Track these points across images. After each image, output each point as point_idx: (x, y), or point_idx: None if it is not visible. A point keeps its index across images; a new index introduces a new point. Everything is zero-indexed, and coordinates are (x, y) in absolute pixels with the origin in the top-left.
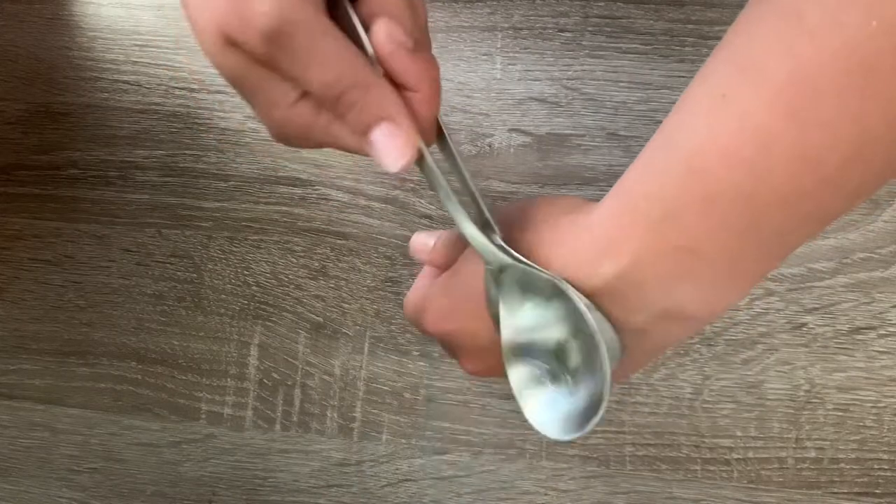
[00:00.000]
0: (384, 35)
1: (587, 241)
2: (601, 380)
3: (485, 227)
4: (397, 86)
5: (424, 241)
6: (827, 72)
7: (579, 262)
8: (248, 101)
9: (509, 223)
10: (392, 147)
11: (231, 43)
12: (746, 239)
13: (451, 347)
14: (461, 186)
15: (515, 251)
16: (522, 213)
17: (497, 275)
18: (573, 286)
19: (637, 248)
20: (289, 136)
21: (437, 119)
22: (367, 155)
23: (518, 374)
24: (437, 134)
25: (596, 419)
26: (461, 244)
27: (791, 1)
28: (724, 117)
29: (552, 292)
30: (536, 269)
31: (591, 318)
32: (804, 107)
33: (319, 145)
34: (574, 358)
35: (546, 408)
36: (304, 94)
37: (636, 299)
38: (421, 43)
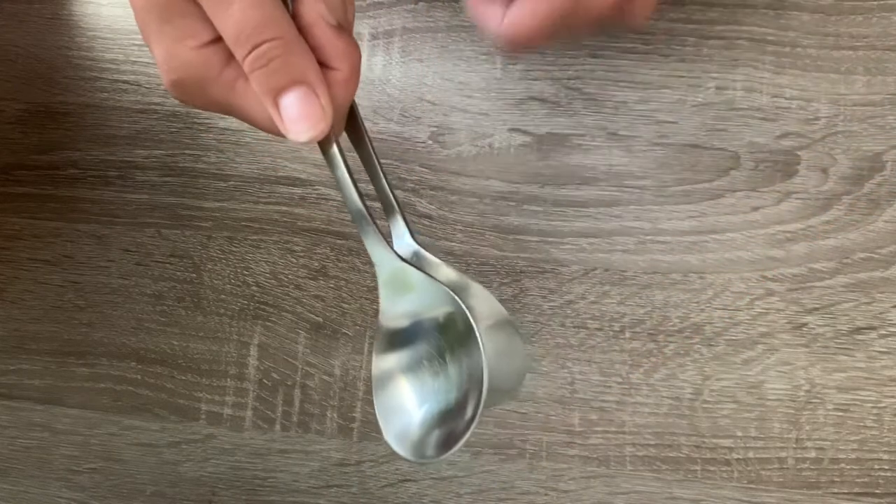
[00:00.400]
0: (309, 6)
1: None
2: (477, 401)
3: (398, 234)
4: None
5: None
6: None
7: None
8: (153, 33)
9: None
10: (305, 115)
11: None
12: None
13: None
14: (377, 192)
15: None
16: None
17: (387, 277)
18: None
19: None
20: (184, 85)
21: (356, 112)
22: (265, 126)
23: (389, 359)
24: (353, 130)
25: (457, 446)
26: None
27: None
28: None
29: (444, 301)
30: (428, 277)
31: (484, 345)
32: None
33: (217, 106)
34: (453, 341)
35: (414, 403)
36: (218, 39)
37: None
38: (344, 25)
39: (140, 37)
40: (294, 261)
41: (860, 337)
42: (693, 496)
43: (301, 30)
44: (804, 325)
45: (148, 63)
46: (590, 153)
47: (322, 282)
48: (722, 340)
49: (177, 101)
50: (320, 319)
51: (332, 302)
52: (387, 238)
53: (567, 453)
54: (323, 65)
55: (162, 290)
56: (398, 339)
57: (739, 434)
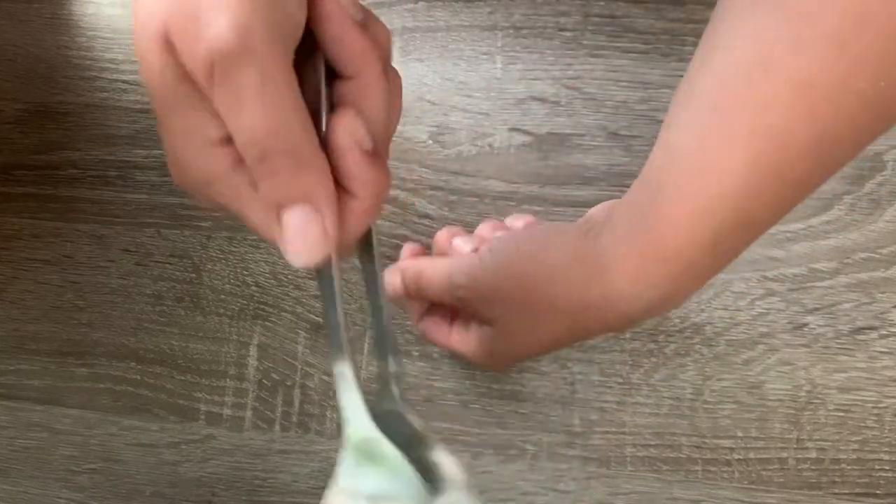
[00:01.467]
0: (345, 126)
1: (624, 281)
2: None
3: (386, 376)
4: (337, 184)
5: (394, 285)
6: (847, 126)
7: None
8: (163, 122)
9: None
10: (304, 236)
11: (170, 47)
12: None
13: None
14: (374, 326)
15: None
16: (532, 244)
17: (356, 441)
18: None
19: (668, 289)
20: (188, 180)
21: (371, 239)
22: (267, 239)
23: None
24: (363, 256)
25: None
26: (435, 293)
27: (800, 69)
28: (764, 178)
29: (411, 484)
30: (402, 458)
31: None
32: (829, 154)
33: (221, 207)
34: None
35: None
36: (228, 140)
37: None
38: (379, 152)
39: (133, 38)
40: None
41: (861, 337)
42: (693, 496)
43: (332, 151)
44: (805, 325)
45: None
46: (590, 153)
47: None
48: (722, 340)
49: None
50: (320, 319)
51: None
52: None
53: (567, 454)
54: (344, 188)
55: (161, 290)
56: None
57: (740, 434)
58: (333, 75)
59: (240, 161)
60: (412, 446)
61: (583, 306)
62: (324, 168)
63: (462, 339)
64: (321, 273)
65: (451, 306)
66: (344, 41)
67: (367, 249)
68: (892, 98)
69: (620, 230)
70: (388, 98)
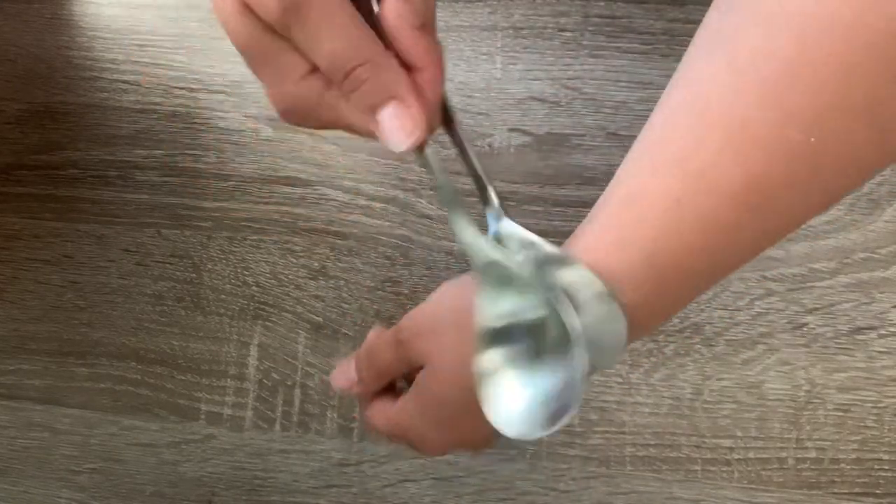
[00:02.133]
0: (393, 10)
1: None
2: (576, 372)
3: (490, 210)
4: (404, 66)
5: (346, 375)
6: (778, 175)
7: None
8: (258, 72)
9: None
10: (400, 127)
11: (247, 9)
12: (705, 289)
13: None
14: (468, 171)
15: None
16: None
17: (483, 269)
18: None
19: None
20: (296, 113)
21: (445, 102)
22: (371, 136)
23: (490, 358)
24: (443, 117)
25: (565, 418)
26: (384, 355)
27: (733, 113)
28: (686, 219)
29: (540, 292)
30: (525, 271)
31: (576, 324)
32: (759, 202)
33: (325, 125)
34: (552, 334)
35: (519, 389)
36: (315, 69)
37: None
38: (428, 25)
39: (140, 36)
40: (294, 261)
41: (860, 337)
42: (693, 496)
43: (389, 35)
44: (804, 325)
45: (148, 63)
46: (590, 153)
47: (322, 282)
48: (722, 340)
49: (177, 101)
50: (320, 319)
51: (332, 302)
52: (481, 227)
53: (567, 453)
54: (411, 68)
55: (162, 290)
56: (497, 336)
57: (739, 434)
58: None
59: (329, 83)
60: (547, 268)
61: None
62: (396, 66)
63: (402, 405)
64: (420, 152)
65: (395, 389)
66: None
67: (446, 117)
68: (827, 155)
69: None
70: None
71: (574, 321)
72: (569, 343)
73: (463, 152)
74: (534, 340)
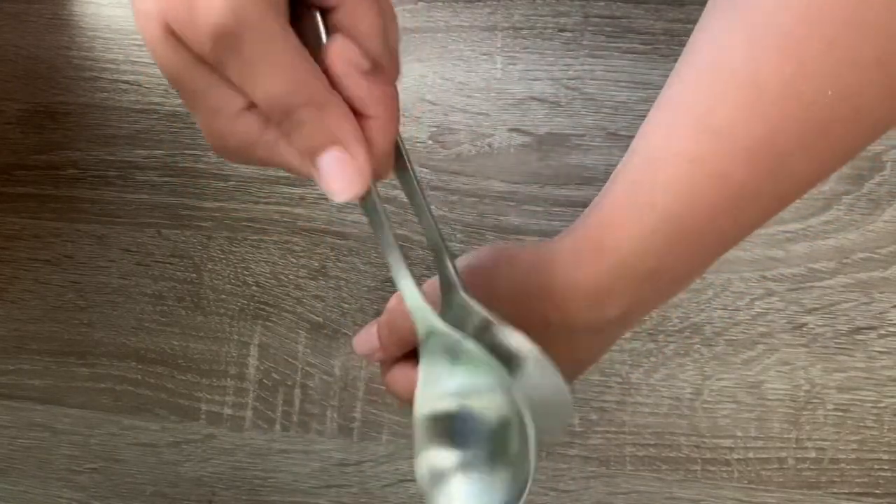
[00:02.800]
0: (337, 54)
1: (580, 301)
2: (525, 471)
3: (445, 274)
4: (354, 110)
5: (368, 341)
6: (792, 133)
7: (569, 314)
8: (188, 105)
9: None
10: (340, 175)
11: (174, 37)
12: (716, 257)
13: None
14: (422, 226)
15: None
16: (487, 282)
17: (424, 339)
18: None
19: (627, 302)
20: (229, 150)
21: (399, 146)
22: (310, 178)
23: (441, 457)
24: (397, 165)
25: None
26: (406, 321)
27: (748, 71)
28: (703, 180)
29: (486, 366)
30: (472, 343)
31: (527, 413)
32: (774, 161)
33: (263, 163)
34: (513, 436)
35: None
36: (251, 106)
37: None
38: (382, 67)
39: (140, 36)
40: (294, 261)
41: (860, 337)
42: (693, 496)
43: (332, 82)
44: (804, 325)
45: (148, 63)
46: (590, 153)
47: (322, 282)
48: (722, 340)
49: (177, 101)
50: (320, 319)
51: (332, 302)
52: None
53: (567, 453)
54: (359, 114)
55: (162, 290)
56: (440, 421)
57: (739, 434)
58: (326, 12)
59: (268, 121)
60: (482, 333)
61: (525, 295)
62: (342, 108)
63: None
64: (364, 202)
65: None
66: None
67: (399, 162)
68: (840, 113)
69: (572, 227)
70: (377, 12)
71: (529, 419)
72: (526, 445)
73: (417, 205)
74: (487, 437)
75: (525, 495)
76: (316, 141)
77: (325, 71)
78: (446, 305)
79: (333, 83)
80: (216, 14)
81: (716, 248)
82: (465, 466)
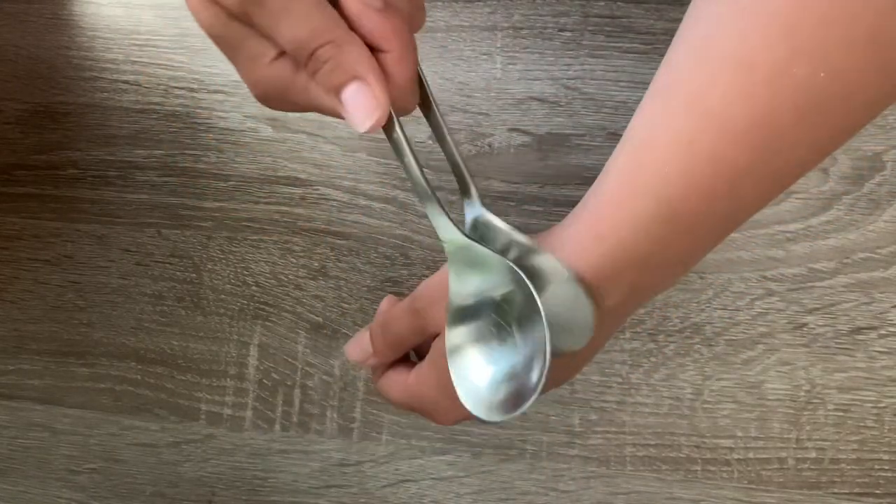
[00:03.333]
0: None
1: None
2: (542, 366)
3: (467, 199)
4: (372, 47)
5: (361, 347)
6: (785, 113)
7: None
8: (230, 59)
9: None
10: (360, 106)
11: (211, 1)
12: (717, 241)
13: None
14: (447, 158)
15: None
16: None
17: (453, 252)
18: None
19: (627, 289)
20: (269, 96)
21: (424, 86)
22: (340, 116)
23: (459, 333)
24: (422, 101)
25: (531, 400)
26: (399, 325)
27: (740, 52)
28: (698, 162)
29: (507, 273)
30: (492, 253)
31: (547, 322)
32: (767, 142)
33: (300, 108)
34: (517, 311)
35: (483, 365)
36: (283, 53)
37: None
38: (392, 5)
39: (140, 36)
40: (294, 261)
41: (860, 337)
42: (693, 496)
43: (349, 21)
44: (804, 325)
45: (148, 63)
46: (590, 153)
47: (322, 282)
48: (722, 340)
49: (177, 101)
50: (320, 319)
51: (332, 302)
52: (454, 218)
53: (567, 453)
54: (376, 49)
55: (162, 290)
56: (467, 314)
57: (739, 434)
58: None
59: (298, 65)
60: (517, 255)
61: None
62: (360, 46)
63: (417, 374)
64: (389, 135)
65: (409, 360)
66: None
67: (424, 101)
68: (833, 91)
69: (568, 217)
70: None
71: (536, 293)
72: (533, 316)
73: (441, 139)
74: (500, 317)
75: (544, 368)
76: (337, 77)
77: (343, 15)
78: (472, 228)
79: (351, 24)
80: None
81: (715, 231)
82: (476, 338)
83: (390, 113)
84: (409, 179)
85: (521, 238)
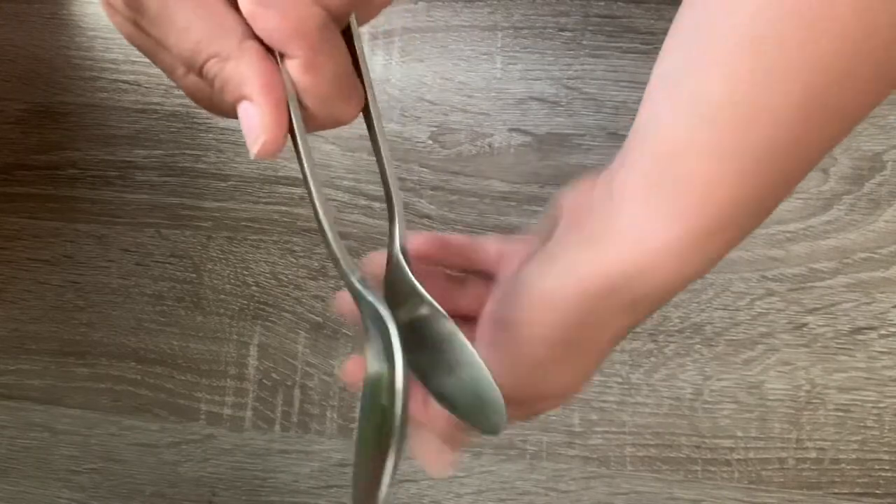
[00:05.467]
0: None
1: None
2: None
3: (393, 229)
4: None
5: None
6: (834, 71)
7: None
8: (155, 64)
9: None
10: (247, 129)
11: (111, 5)
12: (769, 211)
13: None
14: (379, 171)
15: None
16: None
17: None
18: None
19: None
20: (199, 102)
21: (367, 88)
22: None
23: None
24: (365, 113)
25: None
26: None
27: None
28: (743, 152)
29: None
30: (377, 303)
31: (401, 384)
32: (822, 106)
33: (230, 115)
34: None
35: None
36: None
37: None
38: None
39: None
40: (294, 261)
41: (861, 337)
42: (693, 496)
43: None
44: (804, 325)
45: (148, 63)
46: (590, 153)
47: (322, 282)
48: (722, 340)
49: (177, 101)
50: (320, 319)
51: (332, 302)
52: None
53: (567, 453)
54: (285, 56)
55: (162, 290)
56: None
57: (740, 434)
58: None
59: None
60: (414, 303)
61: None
62: (249, 57)
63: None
64: (297, 156)
65: None
66: None
67: (366, 114)
68: (875, 38)
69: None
70: None
71: (398, 409)
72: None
73: (377, 152)
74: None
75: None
76: (228, 95)
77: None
78: (386, 264)
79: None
80: None
81: (771, 200)
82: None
83: (293, 132)
84: (312, 207)
85: (428, 298)
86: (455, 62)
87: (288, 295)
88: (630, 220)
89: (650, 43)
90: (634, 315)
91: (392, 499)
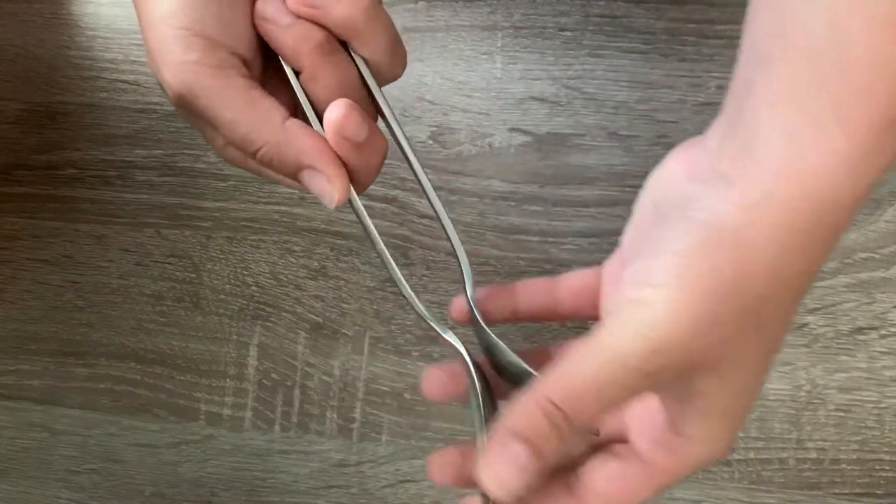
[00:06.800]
0: (334, 125)
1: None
2: None
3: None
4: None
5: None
6: None
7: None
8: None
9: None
10: (318, 191)
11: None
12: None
13: None
14: (447, 237)
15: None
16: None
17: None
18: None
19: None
20: (235, 166)
21: (406, 154)
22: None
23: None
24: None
25: None
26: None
27: None
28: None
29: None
30: (443, 334)
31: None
32: None
33: (265, 178)
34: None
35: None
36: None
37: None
38: (373, 129)
39: (140, 36)
40: (294, 261)
41: (861, 337)
42: (693, 496)
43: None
44: (805, 325)
45: (147, 62)
46: (590, 153)
47: (322, 282)
48: None
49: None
50: (320, 319)
51: (332, 302)
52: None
53: None
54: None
55: (161, 290)
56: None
57: (740, 434)
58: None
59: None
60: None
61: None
62: (300, 138)
63: (676, 453)
64: (354, 208)
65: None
66: (273, 41)
67: (412, 167)
68: None
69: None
70: (330, 81)
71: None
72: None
73: (437, 214)
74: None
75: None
76: (287, 169)
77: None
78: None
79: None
80: (169, 85)
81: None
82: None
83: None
84: (378, 254)
85: (514, 358)
86: (455, 62)
87: (288, 295)
88: (785, 139)
89: (651, 43)
90: (819, 250)
91: (393, 498)
